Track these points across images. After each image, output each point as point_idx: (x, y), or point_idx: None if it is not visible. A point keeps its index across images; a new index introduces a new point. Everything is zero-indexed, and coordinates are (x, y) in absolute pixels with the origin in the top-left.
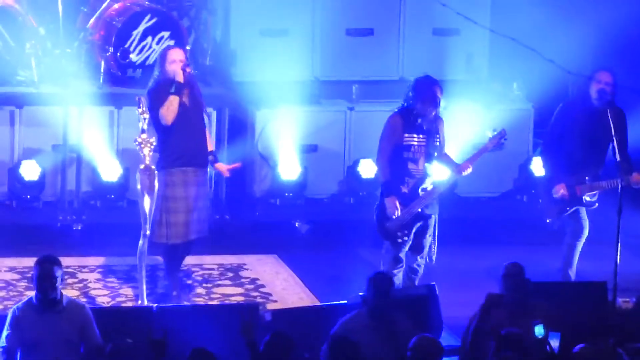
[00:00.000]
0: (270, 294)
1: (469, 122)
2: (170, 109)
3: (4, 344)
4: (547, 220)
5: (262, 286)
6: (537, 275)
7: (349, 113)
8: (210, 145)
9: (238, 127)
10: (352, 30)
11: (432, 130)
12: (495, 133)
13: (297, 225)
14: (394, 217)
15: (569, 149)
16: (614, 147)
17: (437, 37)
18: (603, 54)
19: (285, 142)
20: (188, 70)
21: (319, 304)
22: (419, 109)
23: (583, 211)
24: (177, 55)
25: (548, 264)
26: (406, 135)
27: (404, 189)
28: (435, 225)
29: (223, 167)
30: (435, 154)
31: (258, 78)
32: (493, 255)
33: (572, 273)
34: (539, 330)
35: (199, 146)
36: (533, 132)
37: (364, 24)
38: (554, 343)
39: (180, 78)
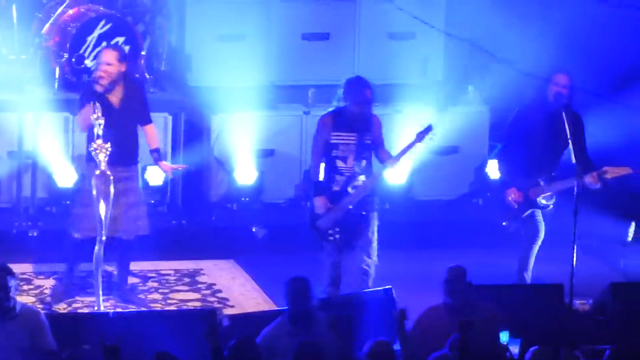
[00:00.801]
0: (227, 299)
1: (425, 125)
2: (82, 118)
3: None
4: (503, 224)
5: (219, 291)
6: (493, 278)
7: (305, 117)
8: (155, 143)
9: (194, 131)
10: (307, 35)
11: (362, 128)
12: (423, 128)
13: (254, 230)
14: (323, 215)
15: (524, 152)
16: (569, 150)
17: (392, 41)
18: (560, 56)
19: (241, 146)
20: (104, 75)
21: (276, 308)
22: (349, 109)
23: (539, 214)
24: (103, 60)
25: (504, 266)
26: (334, 133)
27: (335, 187)
28: (374, 224)
29: (167, 166)
30: (367, 152)
31: (214, 83)
32: (449, 258)
33: (528, 276)
34: (504, 336)
35: (122, 145)
36: (489, 134)
37: (319, 29)
38: (514, 349)
39: (97, 87)
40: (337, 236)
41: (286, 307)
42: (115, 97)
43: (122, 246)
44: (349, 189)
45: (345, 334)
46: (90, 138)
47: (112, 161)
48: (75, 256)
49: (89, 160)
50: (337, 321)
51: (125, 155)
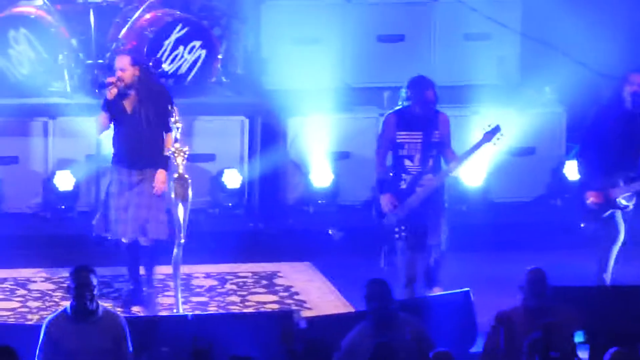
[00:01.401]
0: (304, 302)
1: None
2: (98, 123)
3: (39, 356)
4: (581, 225)
5: (297, 294)
6: (571, 280)
7: (380, 119)
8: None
9: (270, 135)
10: (383, 37)
11: (428, 127)
12: (490, 128)
13: (330, 232)
14: (389, 212)
15: (603, 153)
16: None
17: (468, 42)
18: (635, 56)
19: (317, 149)
20: (119, 82)
21: (353, 310)
22: (413, 108)
23: (619, 214)
24: (117, 64)
25: (583, 268)
26: (399, 133)
27: (402, 185)
28: (443, 223)
29: (158, 178)
30: (435, 150)
31: (289, 86)
32: (526, 261)
33: (608, 277)
34: (578, 337)
35: (134, 149)
36: (566, 135)
37: (395, 30)
38: (583, 355)
39: (109, 94)
40: (404, 234)
41: (364, 310)
42: (128, 102)
43: (142, 250)
44: (416, 188)
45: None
46: (114, 142)
47: (127, 165)
48: (130, 259)
49: (117, 162)
50: (416, 327)
51: (137, 159)
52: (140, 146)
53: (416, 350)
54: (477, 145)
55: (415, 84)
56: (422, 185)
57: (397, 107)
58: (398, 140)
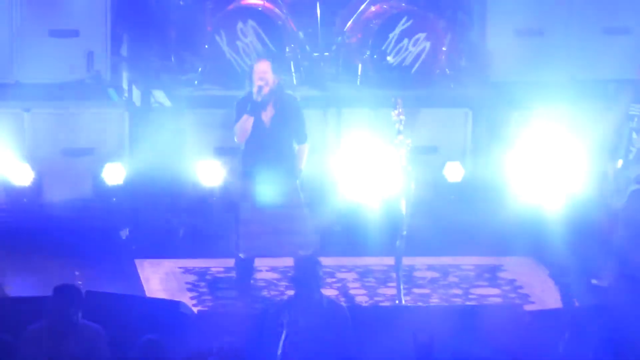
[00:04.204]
0: (528, 295)
1: None
2: (242, 128)
3: None
4: None
5: (520, 287)
6: None
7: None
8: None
9: (495, 127)
10: (608, 29)
11: None
12: None
13: None
14: None
15: None
16: None
17: None
18: None
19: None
20: (265, 87)
21: None
22: None
23: None
24: (258, 70)
25: None
26: (634, 105)
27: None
28: None
29: None
30: None
31: (514, 78)
32: None
33: None
34: None
35: (268, 161)
36: None
37: (619, 22)
38: None
39: (256, 96)
40: None
41: None
42: (266, 114)
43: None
44: None
45: None
46: (246, 153)
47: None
48: (242, 273)
49: (244, 176)
50: None
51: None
52: (273, 159)
53: None
54: None
55: None
56: None
57: None
58: (630, 112)
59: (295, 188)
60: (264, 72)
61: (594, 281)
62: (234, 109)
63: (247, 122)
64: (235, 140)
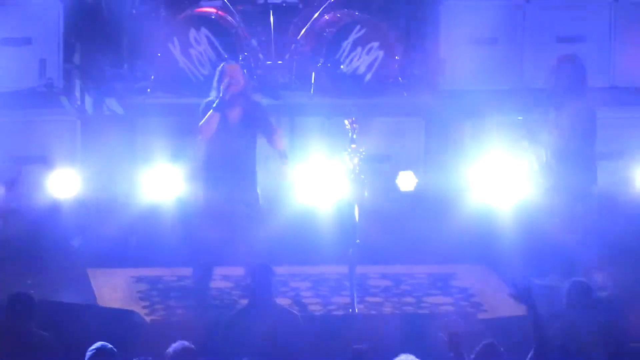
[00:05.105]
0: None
1: None
2: (208, 123)
3: None
4: None
5: (473, 296)
6: None
7: None
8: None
9: (444, 136)
10: (563, 38)
11: None
12: None
13: None
14: None
15: None
16: None
17: None
18: None
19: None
20: (235, 86)
21: None
22: None
23: None
24: (229, 70)
25: None
26: None
27: None
28: None
29: None
30: None
31: (467, 87)
32: None
33: None
34: None
35: (229, 164)
36: None
37: (575, 32)
38: None
39: (225, 93)
40: None
41: None
42: (233, 114)
43: None
44: None
45: None
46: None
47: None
48: (200, 281)
49: (204, 180)
50: None
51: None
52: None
53: None
54: None
55: None
56: None
57: None
58: None
59: (255, 196)
60: (235, 71)
61: (537, 281)
62: (200, 111)
63: (213, 117)
64: (199, 138)
